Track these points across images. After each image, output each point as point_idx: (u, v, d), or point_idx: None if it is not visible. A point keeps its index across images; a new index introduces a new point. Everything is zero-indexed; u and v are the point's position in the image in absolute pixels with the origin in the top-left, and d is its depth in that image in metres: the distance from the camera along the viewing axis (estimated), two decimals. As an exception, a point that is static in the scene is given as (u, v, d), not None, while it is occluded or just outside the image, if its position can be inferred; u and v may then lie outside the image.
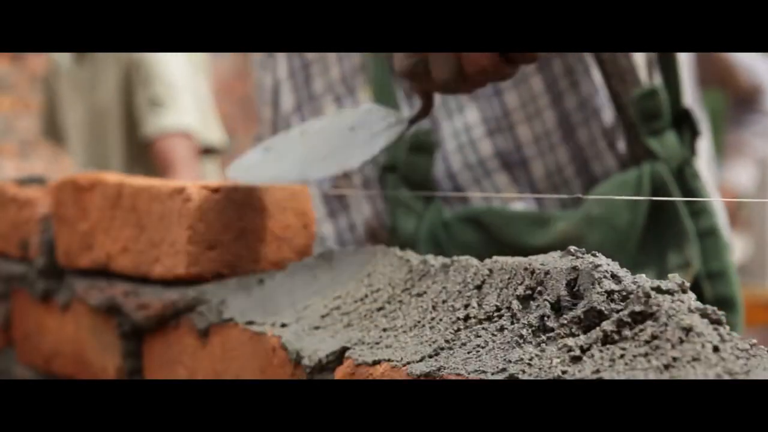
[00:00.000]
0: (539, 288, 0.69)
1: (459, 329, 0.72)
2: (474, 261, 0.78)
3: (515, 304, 0.70)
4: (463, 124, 1.31)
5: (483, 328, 0.71)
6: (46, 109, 2.75)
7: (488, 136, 1.30)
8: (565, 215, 1.27)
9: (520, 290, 0.70)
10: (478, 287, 0.75)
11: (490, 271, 0.75)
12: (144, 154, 2.49)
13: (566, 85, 1.31)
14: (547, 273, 0.69)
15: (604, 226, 1.25)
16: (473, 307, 0.73)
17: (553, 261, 0.71)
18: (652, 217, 1.27)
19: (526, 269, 0.72)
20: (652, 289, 0.62)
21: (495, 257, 0.77)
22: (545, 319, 0.67)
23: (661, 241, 1.26)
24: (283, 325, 0.85)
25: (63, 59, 2.59)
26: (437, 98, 1.31)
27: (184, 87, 2.46)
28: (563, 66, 1.30)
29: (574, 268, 0.67)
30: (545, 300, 0.68)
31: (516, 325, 0.68)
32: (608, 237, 1.25)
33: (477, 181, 1.33)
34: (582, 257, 0.69)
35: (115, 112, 2.50)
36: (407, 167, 1.30)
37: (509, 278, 0.73)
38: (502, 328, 0.69)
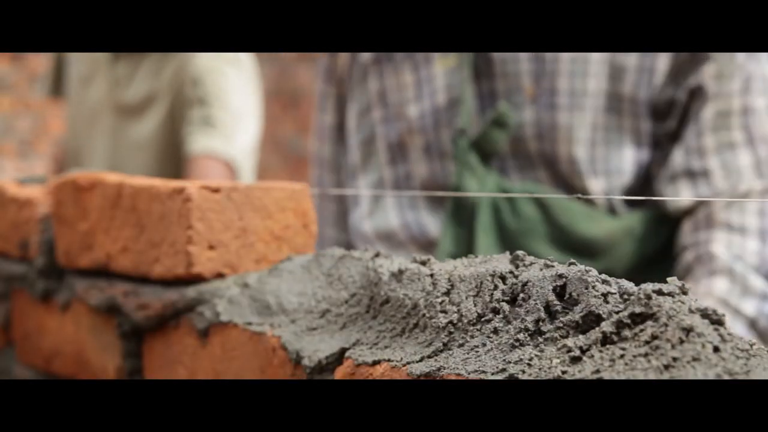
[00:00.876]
0: (522, 294, 0.69)
1: (451, 332, 0.72)
2: (424, 269, 0.78)
3: (506, 308, 0.70)
4: (517, 120, 1.45)
5: (478, 330, 0.71)
6: (54, 66, 2.60)
7: (536, 138, 1.45)
8: (614, 220, 1.45)
9: (498, 295, 0.71)
10: (446, 293, 0.75)
11: (450, 280, 0.76)
12: (177, 175, 2.27)
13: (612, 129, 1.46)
14: (526, 283, 0.69)
15: (638, 243, 1.44)
16: (455, 312, 0.73)
17: (501, 264, 0.74)
18: (663, 255, 1.47)
19: (492, 275, 0.72)
20: (653, 291, 0.62)
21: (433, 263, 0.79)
22: (540, 323, 0.67)
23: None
24: (283, 325, 0.85)
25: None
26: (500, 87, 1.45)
27: (243, 120, 2.29)
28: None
29: (560, 276, 0.68)
30: (535, 304, 0.68)
31: (511, 326, 0.68)
32: (635, 253, 1.44)
33: (521, 168, 1.46)
34: (523, 259, 0.73)
35: (160, 134, 2.34)
36: (483, 137, 1.45)
37: (476, 286, 0.73)
38: (496, 331, 0.69)
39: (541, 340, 0.66)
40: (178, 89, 2.29)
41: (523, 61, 1.44)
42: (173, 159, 2.31)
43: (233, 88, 2.30)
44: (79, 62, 2.46)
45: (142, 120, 2.34)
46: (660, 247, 1.46)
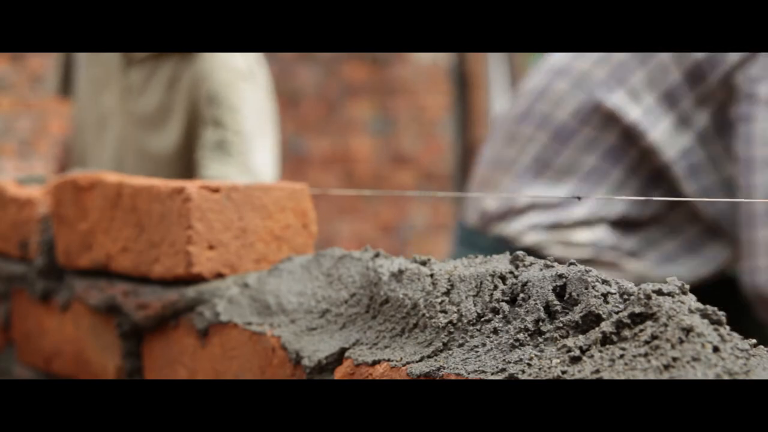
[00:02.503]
0: (522, 295, 0.69)
1: (451, 332, 0.72)
2: (424, 269, 0.78)
3: (505, 308, 0.70)
4: None
5: (478, 330, 0.71)
6: (62, 64, 2.59)
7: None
8: None
9: (498, 294, 0.71)
10: (446, 293, 0.75)
11: (450, 280, 0.76)
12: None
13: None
14: (526, 283, 0.69)
15: None
16: (455, 312, 0.73)
17: (501, 264, 0.74)
18: None
19: (492, 275, 0.72)
20: (653, 291, 0.62)
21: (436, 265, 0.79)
22: (540, 323, 0.67)
23: None
24: (283, 325, 0.85)
25: (109, 59, 2.43)
26: None
27: (258, 140, 2.26)
28: None
29: (560, 276, 0.68)
30: (535, 304, 0.68)
31: (511, 326, 0.68)
32: None
33: None
34: (523, 260, 0.73)
35: (173, 149, 2.31)
36: None
37: (476, 286, 0.73)
38: (495, 331, 0.69)
39: (540, 340, 0.66)
40: (193, 104, 2.26)
41: None
42: (185, 174, 2.29)
43: (249, 107, 2.28)
44: (90, 65, 2.44)
45: (155, 132, 2.31)
46: None
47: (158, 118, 2.31)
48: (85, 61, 2.46)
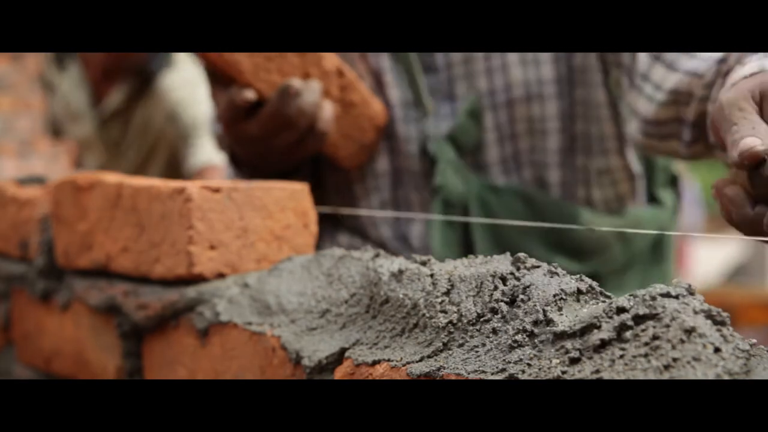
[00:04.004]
0: (521, 296, 0.69)
1: (451, 332, 0.72)
2: (425, 270, 0.78)
3: (504, 308, 0.70)
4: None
5: (477, 330, 0.71)
6: (50, 110, 2.77)
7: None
8: (614, 218, 1.41)
9: (498, 295, 0.71)
10: (446, 293, 0.75)
11: (450, 280, 0.75)
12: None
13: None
14: (527, 286, 0.69)
15: (630, 239, 1.41)
16: (455, 312, 0.73)
17: (502, 265, 0.74)
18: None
19: (493, 276, 0.72)
20: (660, 294, 0.62)
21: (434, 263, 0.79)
22: (539, 324, 0.67)
23: None
24: (283, 325, 0.85)
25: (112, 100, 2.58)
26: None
27: (206, 127, 2.49)
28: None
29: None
30: (535, 306, 0.68)
31: (510, 326, 0.68)
32: (623, 252, 1.42)
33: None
34: (524, 261, 0.73)
35: (161, 148, 2.54)
36: (460, 130, 1.34)
37: (476, 286, 0.73)
38: (495, 331, 0.69)
39: (541, 339, 0.66)
40: (164, 132, 2.51)
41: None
42: None
43: (193, 101, 2.51)
44: (72, 131, 2.68)
45: (160, 149, 2.54)
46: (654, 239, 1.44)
47: (149, 159, 2.56)
48: (65, 128, 2.71)
